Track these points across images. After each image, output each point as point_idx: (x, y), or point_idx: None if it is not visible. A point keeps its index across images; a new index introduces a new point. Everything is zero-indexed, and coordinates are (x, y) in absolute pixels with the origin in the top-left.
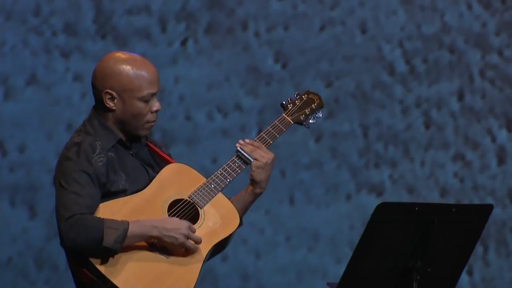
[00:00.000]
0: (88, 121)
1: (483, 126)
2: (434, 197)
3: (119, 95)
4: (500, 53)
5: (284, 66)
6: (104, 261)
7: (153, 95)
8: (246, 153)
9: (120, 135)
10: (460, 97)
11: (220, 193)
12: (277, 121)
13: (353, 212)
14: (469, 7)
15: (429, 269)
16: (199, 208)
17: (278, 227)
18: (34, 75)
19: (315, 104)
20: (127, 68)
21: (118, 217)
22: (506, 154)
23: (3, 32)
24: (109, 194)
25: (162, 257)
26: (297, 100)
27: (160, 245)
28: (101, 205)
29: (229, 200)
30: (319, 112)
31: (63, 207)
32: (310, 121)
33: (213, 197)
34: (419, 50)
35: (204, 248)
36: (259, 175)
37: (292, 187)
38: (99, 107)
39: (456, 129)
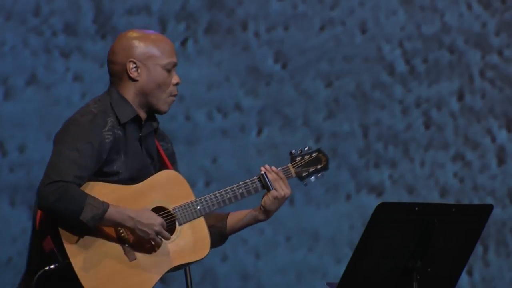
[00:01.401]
0: (108, 92)
1: (483, 126)
2: (434, 197)
3: (143, 63)
4: (500, 53)
5: (284, 66)
6: (71, 239)
7: (174, 65)
8: (269, 180)
9: (138, 111)
10: (460, 97)
11: (202, 217)
12: (281, 169)
13: (353, 212)
14: (469, 7)
15: (429, 269)
16: (177, 224)
17: (278, 227)
18: (34, 75)
19: (321, 165)
20: (147, 39)
21: None
22: (506, 154)
23: (3, 32)
24: (101, 174)
25: (125, 258)
26: (307, 155)
27: (130, 238)
28: (90, 183)
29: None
30: (321, 173)
31: (54, 168)
32: (312, 179)
33: (194, 218)
34: (419, 50)
35: (167, 265)
36: (272, 205)
37: (292, 187)
38: (119, 82)
39: (456, 129)
